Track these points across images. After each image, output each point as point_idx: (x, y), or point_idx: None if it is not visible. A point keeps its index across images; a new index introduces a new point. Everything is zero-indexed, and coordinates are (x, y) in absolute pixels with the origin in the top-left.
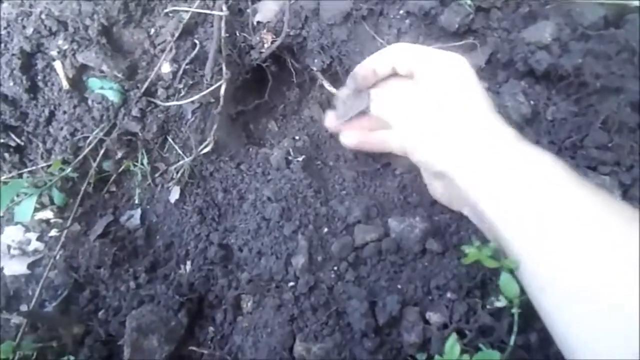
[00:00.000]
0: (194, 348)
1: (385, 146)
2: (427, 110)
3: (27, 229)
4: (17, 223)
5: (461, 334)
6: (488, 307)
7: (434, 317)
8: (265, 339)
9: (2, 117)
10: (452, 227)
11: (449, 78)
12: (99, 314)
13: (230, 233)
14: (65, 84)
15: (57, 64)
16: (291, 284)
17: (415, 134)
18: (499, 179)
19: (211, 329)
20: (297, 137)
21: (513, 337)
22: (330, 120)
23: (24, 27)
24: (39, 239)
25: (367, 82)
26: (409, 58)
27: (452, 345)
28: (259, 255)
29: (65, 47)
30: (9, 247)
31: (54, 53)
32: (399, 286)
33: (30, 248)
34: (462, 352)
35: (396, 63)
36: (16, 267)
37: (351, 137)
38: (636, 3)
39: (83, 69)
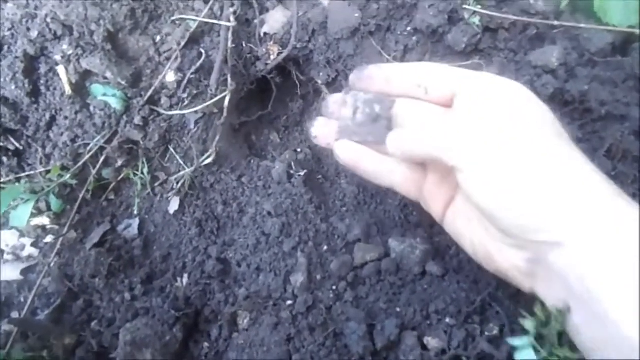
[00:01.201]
0: None
1: (394, 181)
2: (508, 152)
3: (22, 234)
4: (11, 228)
5: None
6: (487, 333)
7: (432, 342)
8: (261, 358)
9: (2, 120)
10: (452, 250)
11: (527, 112)
12: (92, 325)
13: (229, 247)
14: (67, 89)
15: (61, 69)
16: (289, 302)
17: (501, 188)
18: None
19: (206, 344)
20: (299, 150)
21: None
22: (320, 129)
23: (28, 29)
24: (33, 244)
25: (369, 84)
26: (455, 79)
27: None
28: (257, 272)
29: (70, 52)
30: (2, 252)
31: (57, 57)
32: (398, 309)
33: (25, 254)
34: None
35: (430, 82)
36: (9, 273)
37: (349, 151)
38: None
39: (86, 74)
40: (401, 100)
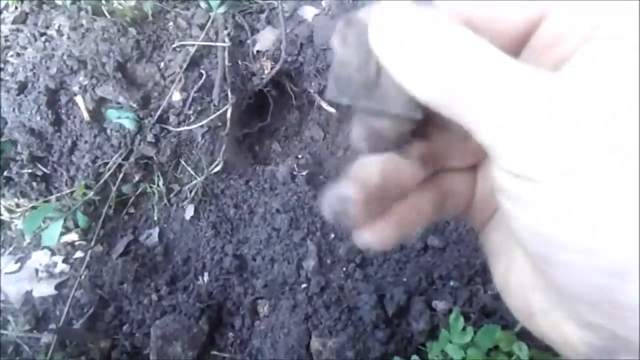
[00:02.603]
0: (215, 353)
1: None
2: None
3: (53, 253)
4: (43, 248)
5: (466, 317)
6: (489, 292)
7: (439, 304)
8: (283, 339)
9: (29, 149)
10: (451, 225)
11: None
12: (124, 328)
13: (244, 244)
14: (86, 116)
15: (79, 99)
16: (304, 285)
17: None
18: None
19: (231, 334)
20: (299, 156)
21: None
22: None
23: (48, 68)
24: (64, 261)
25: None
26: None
27: (456, 317)
28: (271, 262)
29: (86, 82)
30: (36, 270)
31: (75, 89)
32: (405, 279)
33: (57, 270)
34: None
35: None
36: (44, 289)
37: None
38: None
39: (102, 101)
40: None
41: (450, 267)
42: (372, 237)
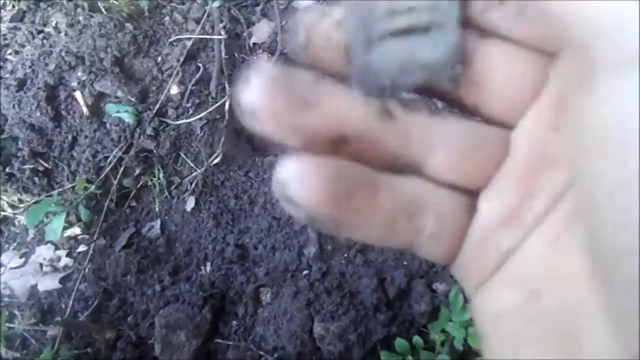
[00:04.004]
0: (219, 341)
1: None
2: None
3: (57, 247)
4: (47, 242)
5: (467, 298)
6: None
7: (440, 286)
8: (286, 325)
9: (30, 145)
10: None
11: None
12: (128, 319)
13: (245, 234)
14: (85, 111)
15: (78, 94)
16: (305, 272)
17: None
18: None
19: (234, 322)
20: None
21: None
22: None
23: (46, 64)
24: (68, 255)
25: None
26: None
27: (455, 295)
28: (273, 250)
29: (84, 78)
30: (41, 265)
31: (74, 84)
32: (405, 263)
33: (61, 264)
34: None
35: None
36: (49, 283)
37: (320, 178)
38: None
39: (100, 96)
40: None
41: None
42: (285, 164)
